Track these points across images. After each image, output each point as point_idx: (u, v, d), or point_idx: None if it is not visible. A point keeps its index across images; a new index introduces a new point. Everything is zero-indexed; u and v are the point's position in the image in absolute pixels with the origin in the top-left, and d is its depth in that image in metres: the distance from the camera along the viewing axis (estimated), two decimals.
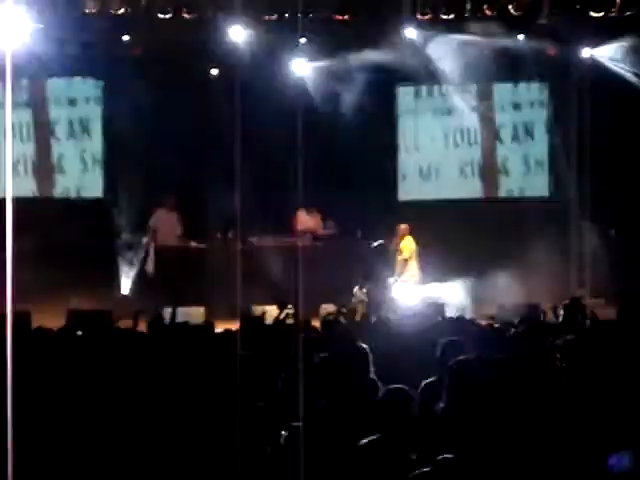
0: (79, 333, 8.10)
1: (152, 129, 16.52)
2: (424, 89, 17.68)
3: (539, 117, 17.44)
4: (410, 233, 15.30)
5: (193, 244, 15.91)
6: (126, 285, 16.11)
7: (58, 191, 16.86)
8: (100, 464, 5.71)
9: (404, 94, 17.80)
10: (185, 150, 16.56)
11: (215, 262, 15.14)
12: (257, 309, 13.65)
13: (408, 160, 17.68)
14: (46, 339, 8.22)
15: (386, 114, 17.45)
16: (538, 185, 17.40)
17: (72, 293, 14.83)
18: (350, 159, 16.69)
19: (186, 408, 6.24)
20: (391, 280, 15.05)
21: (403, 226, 15.33)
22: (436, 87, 17.42)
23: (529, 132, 17.44)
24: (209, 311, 14.05)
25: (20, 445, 5.82)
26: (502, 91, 17.49)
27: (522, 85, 17.32)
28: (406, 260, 15.17)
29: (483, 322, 10.28)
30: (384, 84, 17.03)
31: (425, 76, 16.71)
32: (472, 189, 17.67)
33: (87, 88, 16.96)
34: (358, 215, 16.03)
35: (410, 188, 17.59)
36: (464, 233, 16.07)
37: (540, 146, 17.39)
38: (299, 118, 15.75)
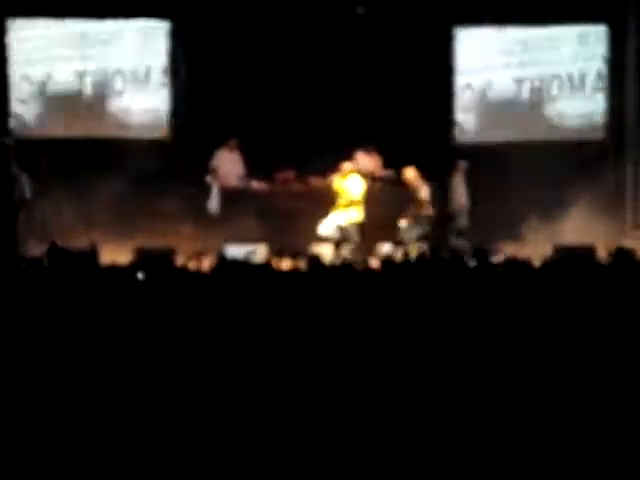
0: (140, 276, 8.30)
1: (219, 69, 16.70)
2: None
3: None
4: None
5: (255, 184, 16.12)
6: (190, 223, 16.36)
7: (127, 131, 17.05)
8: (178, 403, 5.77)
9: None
10: (251, 90, 16.70)
11: (276, 201, 15.40)
12: (315, 248, 13.95)
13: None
14: (114, 275, 8.47)
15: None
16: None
17: (139, 230, 15.19)
18: (407, 100, 16.73)
19: (255, 350, 6.33)
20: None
21: (347, 165, 15.05)
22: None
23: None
24: (271, 249, 14.36)
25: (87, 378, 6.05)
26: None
27: None
28: (354, 200, 14.82)
29: None
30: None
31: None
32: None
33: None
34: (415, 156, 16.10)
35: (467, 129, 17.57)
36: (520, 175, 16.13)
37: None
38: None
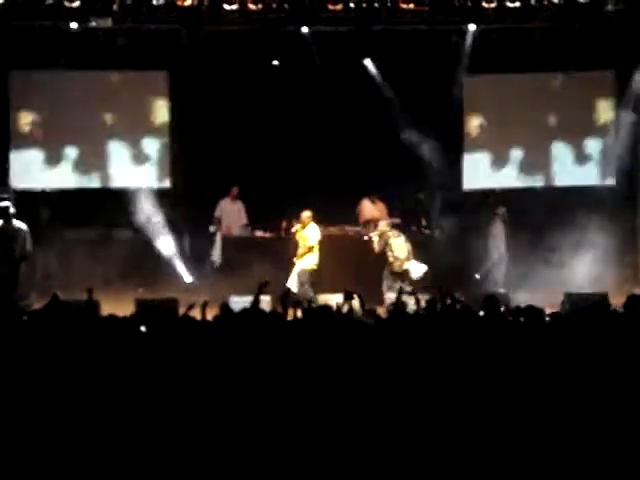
0: (143, 329, 8.15)
1: (218, 120, 16.61)
2: None
3: None
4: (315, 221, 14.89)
5: (258, 233, 15.98)
6: (191, 275, 16.24)
7: (121, 182, 16.94)
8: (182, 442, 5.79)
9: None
10: (250, 140, 16.63)
11: (279, 251, 15.24)
12: (321, 298, 13.73)
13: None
14: (115, 326, 8.32)
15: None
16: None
17: (138, 282, 15.03)
18: (412, 149, 16.66)
19: (260, 397, 6.29)
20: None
21: (306, 214, 14.82)
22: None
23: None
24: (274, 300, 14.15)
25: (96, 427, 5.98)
26: None
27: None
28: (311, 248, 14.67)
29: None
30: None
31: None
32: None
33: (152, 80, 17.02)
34: (422, 205, 15.98)
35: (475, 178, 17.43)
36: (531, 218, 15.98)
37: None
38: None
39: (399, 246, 14.65)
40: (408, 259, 14.63)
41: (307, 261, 14.73)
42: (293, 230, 14.88)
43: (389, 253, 14.66)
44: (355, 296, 10.00)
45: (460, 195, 17.08)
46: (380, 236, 14.80)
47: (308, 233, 14.75)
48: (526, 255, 15.45)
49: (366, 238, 15.16)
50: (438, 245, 15.67)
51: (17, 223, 14.02)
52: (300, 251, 14.75)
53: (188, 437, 5.88)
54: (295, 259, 14.79)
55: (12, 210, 14.06)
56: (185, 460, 5.73)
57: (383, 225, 15.02)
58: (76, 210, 16.18)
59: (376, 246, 14.80)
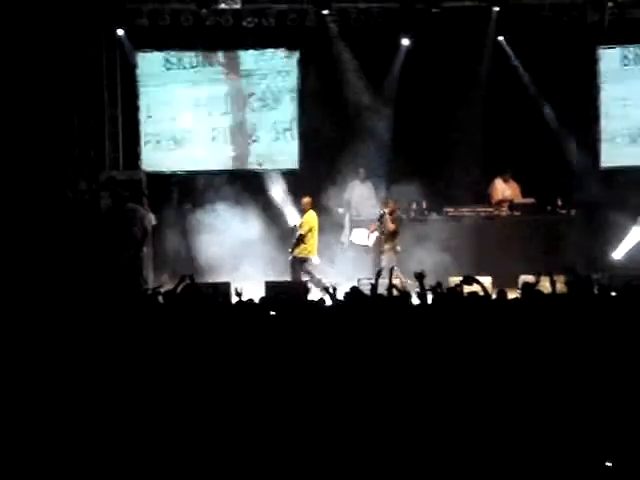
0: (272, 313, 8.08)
1: (346, 100, 16.45)
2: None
3: None
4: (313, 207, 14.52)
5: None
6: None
7: (253, 162, 16.93)
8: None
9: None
10: (378, 121, 16.42)
11: (411, 232, 15.02)
12: (452, 280, 13.45)
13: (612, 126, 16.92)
14: (246, 310, 8.26)
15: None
16: None
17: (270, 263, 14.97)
18: (549, 126, 16.22)
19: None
20: None
21: (305, 199, 14.51)
22: None
23: None
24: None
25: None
26: None
27: None
28: (302, 236, 14.31)
29: None
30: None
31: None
32: None
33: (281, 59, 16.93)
34: (557, 184, 15.53)
35: (614, 154, 16.83)
36: None
37: None
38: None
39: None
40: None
41: (300, 248, 14.40)
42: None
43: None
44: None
45: (597, 173, 16.50)
46: (391, 213, 14.48)
47: (304, 219, 14.48)
48: None
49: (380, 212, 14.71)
50: (574, 225, 15.20)
51: (132, 205, 14.12)
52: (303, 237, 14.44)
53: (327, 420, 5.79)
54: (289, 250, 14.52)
55: (126, 193, 14.17)
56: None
57: (392, 203, 14.66)
58: (206, 192, 16.22)
59: (390, 225, 14.44)
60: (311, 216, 14.54)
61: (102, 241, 14.50)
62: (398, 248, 14.40)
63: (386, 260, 14.27)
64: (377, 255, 14.44)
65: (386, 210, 14.54)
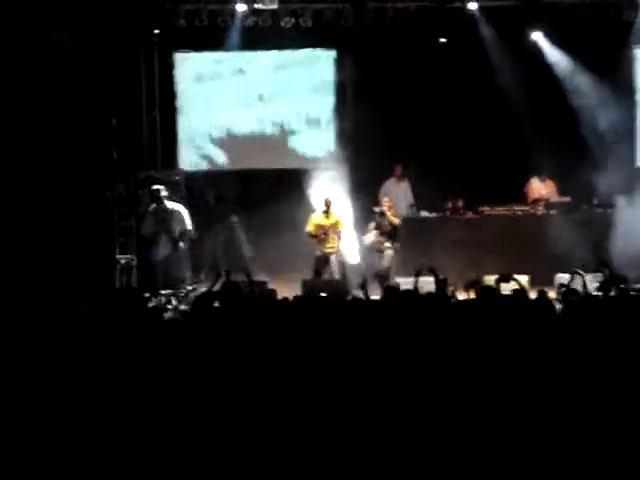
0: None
1: (384, 99, 16.46)
2: None
3: None
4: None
5: (424, 213, 15.80)
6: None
7: (291, 157, 17.01)
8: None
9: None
10: (416, 120, 16.43)
11: (447, 231, 15.04)
12: (489, 279, 13.45)
13: None
14: (286, 309, 8.35)
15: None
16: None
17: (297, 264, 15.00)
18: (584, 124, 16.15)
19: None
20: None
21: (326, 199, 14.53)
22: None
23: None
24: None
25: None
26: None
27: None
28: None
29: None
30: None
31: None
32: None
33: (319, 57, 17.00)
34: (594, 182, 15.47)
35: None
36: None
37: None
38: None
39: None
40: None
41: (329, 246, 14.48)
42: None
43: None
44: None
45: (634, 171, 16.41)
46: (390, 209, 14.66)
47: (339, 218, 14.60)
48: None
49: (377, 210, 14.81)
50: (610, 224, 15.14)
51: (171, 204, 14.26)
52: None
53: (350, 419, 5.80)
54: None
55: (164, 193, 14.31)
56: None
57: (387, 200, 14.87)
58: (246, 191, 16.32)
59: (394, 219, 14.59)
60: (310, 217, 14.61)
61: (140, 240, 14.67)
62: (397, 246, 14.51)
63: (387, 259, 14.36)
64: (377, 255, 14.51)
65: (384, 208, 14.61)
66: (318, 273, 14.32)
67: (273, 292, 10.67)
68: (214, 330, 7.38)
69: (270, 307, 8.45)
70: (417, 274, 9.75)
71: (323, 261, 14.42)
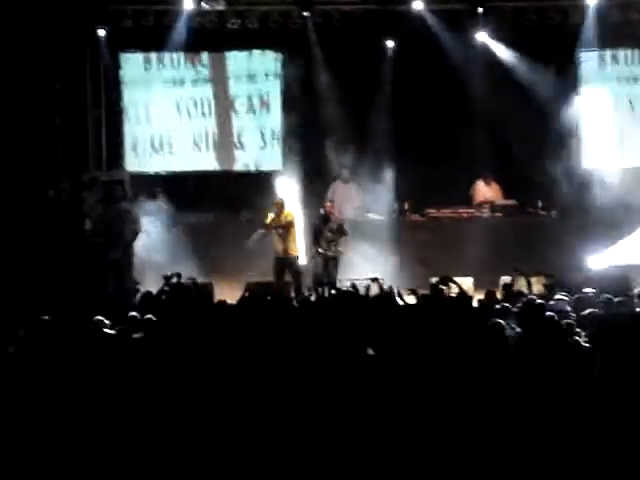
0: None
1: (330, 101, 16.46)
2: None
3: None
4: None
5: (371, 216, 15.82)
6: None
7: (238, 165, 16.93)
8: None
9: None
10: (362, 122, 16.45)
11: (392, 234, 15.07)
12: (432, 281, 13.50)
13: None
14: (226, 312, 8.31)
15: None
16: None
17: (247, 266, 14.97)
18: (531, 126, 16.26)
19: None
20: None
21: (278, 199, 14.55)
22: None
23: None
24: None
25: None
26: None
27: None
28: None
29: None
30: None
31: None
32: None
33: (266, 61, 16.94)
34: (538, 185, 15.58)
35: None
36: None
37: None
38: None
39: None
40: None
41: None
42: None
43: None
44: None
45: (580, 174, 16.50)
46: (330, 213, 14.71)
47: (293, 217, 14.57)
48: None
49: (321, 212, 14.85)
50: (554, 227, 15.27)
51: (124, 206, 14.11)
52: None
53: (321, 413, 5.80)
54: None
55: (117, 193, 14.16)
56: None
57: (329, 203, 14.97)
58: (190, 193, 16.25)
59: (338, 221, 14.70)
60: (290, 214, 14.53)
61: (88, 241, 14.49)
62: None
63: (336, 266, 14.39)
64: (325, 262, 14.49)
65: (327, 209, 14.62)
66: (279, 275, 14.26)
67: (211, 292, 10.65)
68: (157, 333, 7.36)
69: (211, 309, 8.43)
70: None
71: (281, 264, 14.37)
